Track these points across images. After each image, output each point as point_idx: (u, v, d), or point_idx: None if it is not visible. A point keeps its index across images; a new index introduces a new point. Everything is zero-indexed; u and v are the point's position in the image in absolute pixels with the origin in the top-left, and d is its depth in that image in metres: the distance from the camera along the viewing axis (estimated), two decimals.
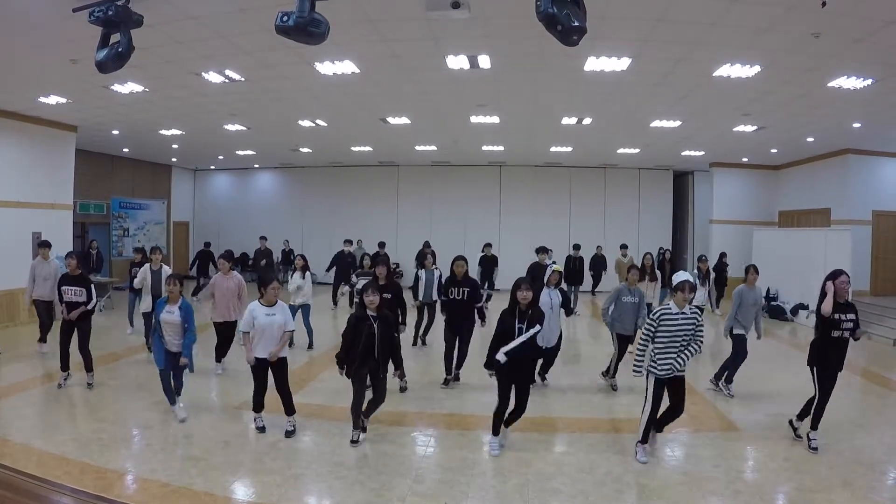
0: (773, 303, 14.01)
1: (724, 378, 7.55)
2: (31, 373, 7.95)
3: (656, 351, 5.26)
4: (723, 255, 14.22)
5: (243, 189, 21.75)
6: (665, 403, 5.36)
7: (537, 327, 5.28)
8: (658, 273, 11.64)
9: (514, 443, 5.65)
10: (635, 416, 6.66)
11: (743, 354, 7.47)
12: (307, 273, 9.45)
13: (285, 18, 4.56)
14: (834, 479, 4.96)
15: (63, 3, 5.57)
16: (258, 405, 5.96)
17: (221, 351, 8.25)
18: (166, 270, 8.89)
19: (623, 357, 7.65)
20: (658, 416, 5.37)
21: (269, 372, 5.86)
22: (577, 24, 4.25)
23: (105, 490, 4.52)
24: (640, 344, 5.39)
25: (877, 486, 4.88)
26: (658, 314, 5.25)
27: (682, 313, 5.24)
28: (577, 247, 14.77)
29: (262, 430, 5.88)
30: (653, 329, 5.24)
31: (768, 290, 13.86)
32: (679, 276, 5.42)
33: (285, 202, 21.11)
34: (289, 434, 5.77)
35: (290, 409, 5.91)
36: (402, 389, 7.37)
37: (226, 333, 8.19)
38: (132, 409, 6.57)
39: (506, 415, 5.45)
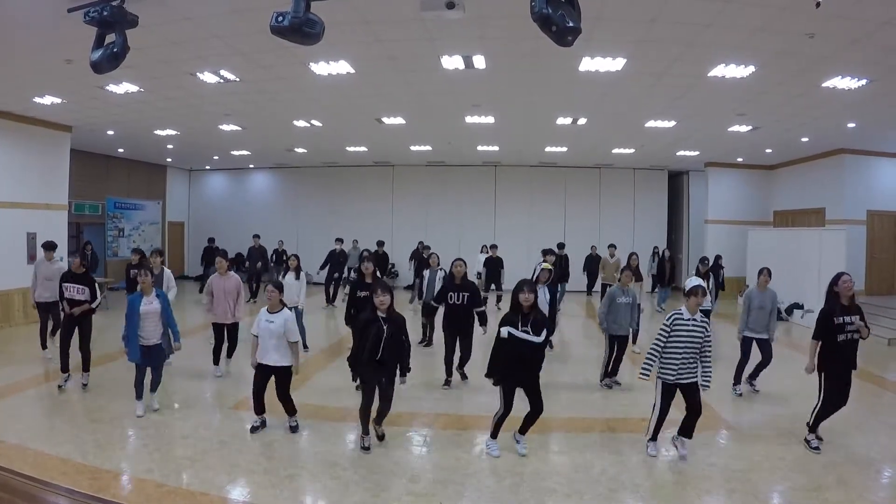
0: None
1: (739, 378, 7.61)
2: (27, 374, 7.92)
3: (666, 355, 5.33)
4: (718, 257, 14.27)
5: (238, 189, 21.70)
6: (668, 409, 5.45)
7: (543, 335, 5.31)
8: (640, 273, 11.64)
9: (509, 442, 5.66)
10: (630, 416, 6.72)
11: (744, 357, 7.54)
12: (301, 273, 9.41)
13: (280, 19, 4.56)
14: (829, 478, 4.98)
15: (58, 4, 5.56)
16: (257, 407, 5.94)
17: (218, 354, 8.08)
18: (168, 274, 8.55)
19: (620, 356, 7.74)
20: (681, 421, 5.44)
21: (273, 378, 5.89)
22: (571, 24, 4.26)
23: (101, 490, 4.51)
24: (652, 348, 5.39)
25: (871, 486, 4.91)
26: (672, 319, 5.34)
27: (693, 319, 5.33)
28: (561, 245, 14.98)
29: (254, 430, 5.88)
30: (666, 334, 5.32)
31: None
32: (692, 282, 5.54)
33: (280, 202, 21.07)
34: (294, 429, 5.88)
35: (290, 410, 5.97)
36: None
37: (224, 335, 8.03)
38: (128, 409, 6.54)
39: (504, 420, 5.43)
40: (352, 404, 6.83)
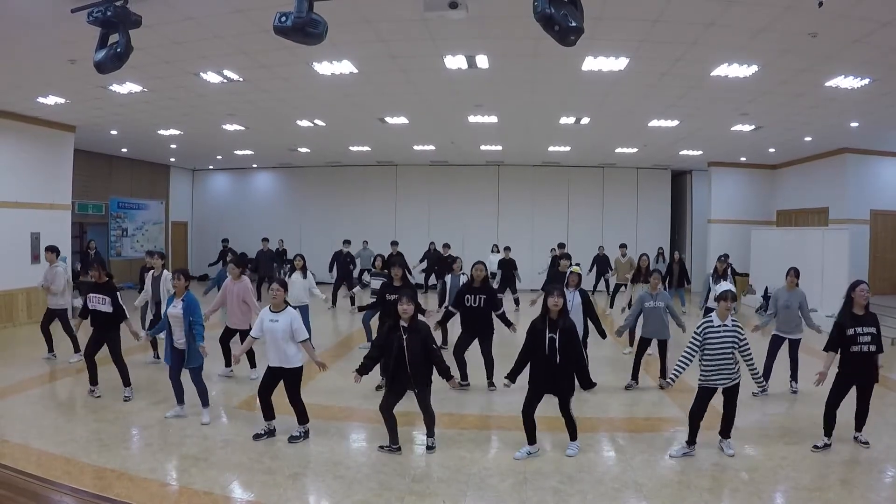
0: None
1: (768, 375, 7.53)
2: (30, 374, 7.95)
3: (705, 364, 5.36)
4: (725, 256, 14.25)
5: (242, 189, 21.71)
6: (700, 412, 5.46)
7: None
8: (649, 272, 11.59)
9: (512, 442, 5.66)
10: (632, 416, 6.72)
11: (771, 356, 7.49)
12: (308, 273, 9.42)
13: (283, 19, 4.56)
14: (832, 478, 4.98)
15: (61, 4, 5.57)
16: (265, 412, 5.77)
17: (228, 356, 7.94)
18: (167, 276, 8.33)
19: (663, 357, 7.74)
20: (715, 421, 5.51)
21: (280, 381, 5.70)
22: (574, 24, 4.26)
23: (104, 490, 4.53)
24: (683, 357, 5.41)
25: (875, 486, 4.89)
26: (702, 329, 5.35)
27: (725, 325, 5.35)
28: (561, 245, 14.94)
29: (257, 437, 5.70)
30: (698, 344, 5.34)
31: (766, 289, 13.87)
32: (721, 287, 5.49)
33: (284, 202, 21.08)
34: (293, 439, 5.62)
35: (302, 418, 5.73)
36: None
37: (231, 340, 7.98)
38: (132, 408, 6.57)
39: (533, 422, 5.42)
40: (355, 404, 6.86)
